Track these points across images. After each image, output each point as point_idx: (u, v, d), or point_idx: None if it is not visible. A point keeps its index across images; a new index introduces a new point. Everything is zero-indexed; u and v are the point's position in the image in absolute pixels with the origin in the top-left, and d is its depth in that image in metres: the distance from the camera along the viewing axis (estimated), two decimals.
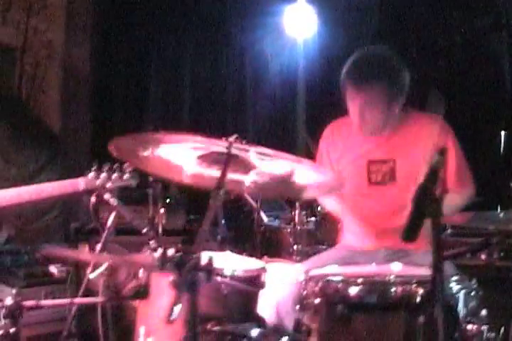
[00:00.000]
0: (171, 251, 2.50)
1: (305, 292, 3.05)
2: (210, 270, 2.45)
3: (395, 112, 3.76)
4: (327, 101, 3.99)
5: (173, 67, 7.10)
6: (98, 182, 3.97)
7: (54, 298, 4.74)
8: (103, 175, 3.99)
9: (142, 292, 3.10)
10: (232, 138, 2.75)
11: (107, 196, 3.84)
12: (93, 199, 3.86)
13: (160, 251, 2.50)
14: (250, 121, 7.07)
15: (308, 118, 6.69)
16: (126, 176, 3.99)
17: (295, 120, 6.83)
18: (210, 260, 2.46)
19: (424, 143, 3.75)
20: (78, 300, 3.45)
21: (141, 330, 3.21)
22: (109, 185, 3.97)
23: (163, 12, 6.91)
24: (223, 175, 2.72)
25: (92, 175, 3.99)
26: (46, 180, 6.71)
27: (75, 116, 6.94)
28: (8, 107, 6.54)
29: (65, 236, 6.34)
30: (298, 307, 3.09)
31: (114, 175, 3.99)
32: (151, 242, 3.42)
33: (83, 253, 3.74)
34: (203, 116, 7.05)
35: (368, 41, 6.48)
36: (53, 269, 5.35)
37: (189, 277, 2.40)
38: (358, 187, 3.91)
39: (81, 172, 6.84)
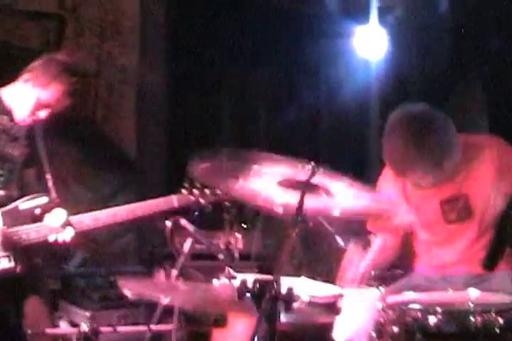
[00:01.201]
0: (249, 282, 2.46)
1: (382, 319, 2.98)
2: (289, 300, 2.39)
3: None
4: None
5: (247, 89, 7.10)
6: (192, 197, 3.99)
7: (127, 321, 4.73)
8: (195, 191, 3.95)
9: (220, 320, 3.05)
10: (310, 167, 2.69)
11: (183, 221, 3.84)
12: (169, 224, 3.85)
13: (239, 281, 2.46)
14: (324, 143, 7.00)
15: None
16: (218, 192, 3.99)
17: (368, 142, 6.75)
18: (290, 290, 2.41)
19: (486, 168, 3.60)
20: (155, 326, 3.39)
21: None
22: (202, 201, 3.95)
23: (236, 35, 6.92)
24: (301, 202, 2.67)
25: (184, 191, 3.97)
26: (123, 203, 6.81)
27: (150, 139, 6.98)
28: (84, 132, 6.62)
29: (139, 259, 6.36)
30: (375, 334, 3.01)
31: (207, 192, 3.93)
32: (228, 269, 3.38)
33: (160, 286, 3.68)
34: (278, 137, 7.01)
35: (441, 61, 6.37)
36: (127, 292, 5.34)
37: (268, 308, 2.33)
38: (434, 225, 3.75)
39: (156, 195, 6.91)
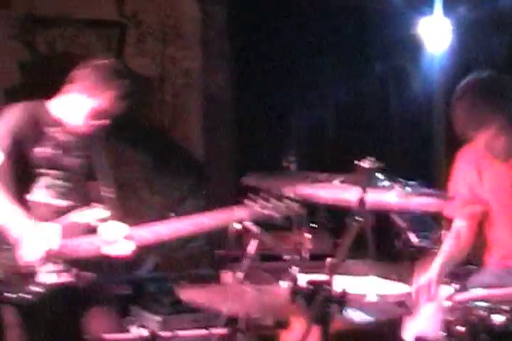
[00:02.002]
0: (302, 283, 2.41)
1: (450, 318, 2.89)
2: (342, 302, 2.32)
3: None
4: None
5: (313, 89, 7.03)
6: (255, 208, 3.74)
7: (198, 325, 4.70)
8: (268, 205, 3.76)
9: (282, 322, 3.00)
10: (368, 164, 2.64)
11: (248, 224, 3.75)
12: (236, 226, 3.75)
13: (290, 283, 2.41)
14: (394, 139, 6.91)
15: (448, 133, 6.48)
16: (292, 205, 3.76)
17: (433, 133, 6.64)
18: (344, 291, 2.34)
19: None
20: (217, 330, 3.34)
21: None
22: (276, 215, 3.74)
23: (298, 33, 6.86)
24: (361, 199, 2.61)
25: (249, 203, 3.78)
26: (190, 208, 6.84)
27: (217, 143, 6.97)
28: (151, 137, 6.65)
29: (210, 263, 6.35)
30: (444, 333, 2.93)
31: (281, 205, 3.80)
32: (293, 269, 3.32)
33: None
34: (347, 136, 6.93)
35: (506, 54, 6.23)
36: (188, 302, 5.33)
37: (320, 310, 2.26)
38: (508, 206, 3.72)
39: (225, 200, 6.90)
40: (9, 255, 3.55)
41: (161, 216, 6.58)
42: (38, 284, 3.57)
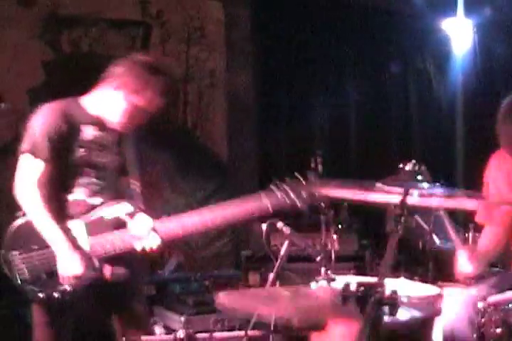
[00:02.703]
0: (353, 286, 2.39)
1: (483, 320, 2.86)
2: (394, 304, 2.33)
3: None
4: (487, 115, 3.82)
5: (336, 88, 7.02)
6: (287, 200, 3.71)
7: (223, 326, 4.68)
8: (291, 194, 3.71)
9: (318, 323, 2.97)
10: (410, 167, 2.62)
11: (279, 224, 3.74)
12: (265, 227, 3.77)
13: (341, 285, 2.40)
14: (416, 140, 6.87)
15: (470, 133, 6.46)
16: (315, 194, 3.72)
17: (455, 134, 6.61)
18: (395, 293, 2.32)
19: None
20: (251, 332, 3.31)
21: None
22: (299, 204, 3.71)
23: (323, 33, 6.85)
24: (404, 201, 2.58)
25: (274, 188, 3.74)
26: None
27: (241, 142, 6.97)
28: (175, 137, 6.65)
29: (235, 263, 6.34)
30: (475, 335, 2.90)
31: (304, 194, 3.72)
32: (326, 271, 3.30)
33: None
34: (369, 136, 6.91)
35: None
36: (223, 306, 5.31)
37: (373, 312, 2.27)
38: None
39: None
40: (39, 254, 3.56)
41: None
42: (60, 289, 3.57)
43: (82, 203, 3.63)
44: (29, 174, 3.53)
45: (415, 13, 6.69)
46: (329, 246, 4.32)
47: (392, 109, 6.84)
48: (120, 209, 3.67)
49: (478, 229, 4.77)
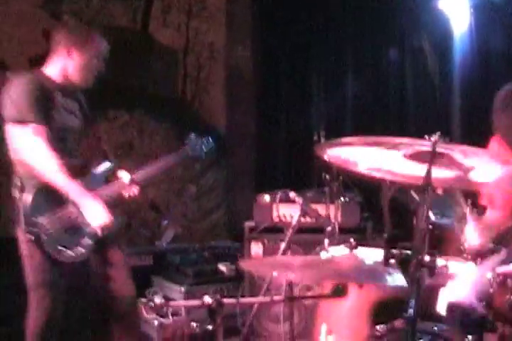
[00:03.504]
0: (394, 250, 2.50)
1: (492, 289, 2.92)
2: (432, 266, 2.48)
3: None
4: (483, 100, 3.85)
5: (334, 63, 7.01)
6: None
7: (223, 296, 4.74)
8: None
9: (340, 290, 3.03)
10: (435, 137, 2.64)
11: (292, 194, 4.03)
12: (266, 198, 4.42)
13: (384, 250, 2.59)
14: (410, 115, 6.88)
15: (465, 116, 6.48)
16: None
17: (451, 114, 6.62)
18: (434, 257, 2.49)
19: None
20: (278, 297, 3.36)
21: (323, 328, 3.25)
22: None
23: (322, 9, 6.83)
24: (428, 173, 2.62)
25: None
26: (212, 180, 6.88)
27: (240, 115, 6.99)
28: (174, 109, 6.67)
29: (236, 234, 6.38)
30: (483, 304, 2.96)
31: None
32: (351, 241, 3.36)
33: None
34: (367, 114, 6.91)
35: None
36: (222, 267, 5.39)
37: (414, 273, 2.42)
38: None
39: (245, 173, 6.92)
40: (62, 214, 3.76)
41: (182, 187, 6.69)
42: (84, 244, 3.82)
43: (69, 165, 3.80)
44: (31, 140, 3.71)
45: None
46: (333, 218, 4.39)
47: (388, 83, 6.84)
48: (105, 166, 4.07)
49: (476, 204, 4.84)
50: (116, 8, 6.33)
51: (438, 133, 2.58)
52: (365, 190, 5.04)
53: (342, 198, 4.63)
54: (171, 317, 4.81)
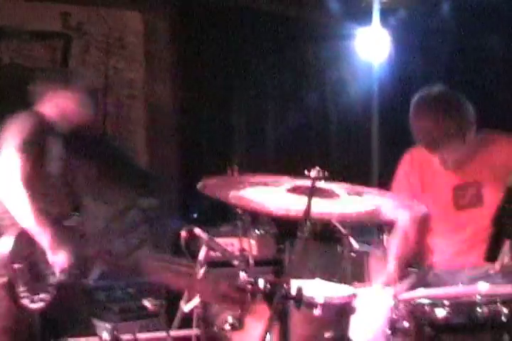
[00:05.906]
0: (261, 282, 2.53)
1: (394, 316, 3.04)
2: (300, 299, 2.47)
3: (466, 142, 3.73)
4: (401, 125, 3.99)
5: (255, 98, 7.13)
6: None
7: (148, 331, 4.77)
8: None
9: (237, 323, 3.10)
10: (314, 173, 2.75)
11: (197, 230, 3.98)
12: (184, 234, 4.01)
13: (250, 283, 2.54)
14: (332, 143, 7.04)
15: (383, 140, 6.66)
16: None
17: (371, 141, 6.79)
18: (300, 289, 2.47)
19: (503, 165, 3.75)
20: (174, 332, 3.45)
21: None
22: None
23: (241, 44, 6.96)
24: (308, 207, 2.72)
25: None
26: (135, 218, 6.88)
27: (162, 152, 7.03)
28: (95, 147, 6.68)
29: None
30: (389, 331, 3.07)
31: None
32: (242, 274, 3.43)
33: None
34: (287, 145, 7.03)
35: (443, 64, 6.40)
36: (146, 303, 5.40)
37: (279, 307, 2.41)
38: (445, 212, 3.87)
39: (170, 209, 6.93)
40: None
41: (106, 226, 6.68)
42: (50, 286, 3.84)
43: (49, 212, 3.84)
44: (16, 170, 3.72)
45: (330, 23, 6.86)
46: (247, 251, 4.46)
47: (311, 116, 6.97)
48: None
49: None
50: (36, 50, 6.33)
51: (317, 167, 2.72)
52: (281, 221, 5.17)
53: (257, 230, 4.71)
54: None
